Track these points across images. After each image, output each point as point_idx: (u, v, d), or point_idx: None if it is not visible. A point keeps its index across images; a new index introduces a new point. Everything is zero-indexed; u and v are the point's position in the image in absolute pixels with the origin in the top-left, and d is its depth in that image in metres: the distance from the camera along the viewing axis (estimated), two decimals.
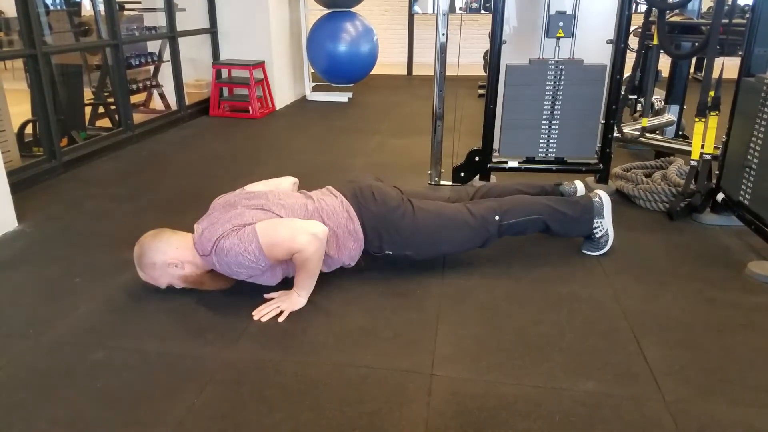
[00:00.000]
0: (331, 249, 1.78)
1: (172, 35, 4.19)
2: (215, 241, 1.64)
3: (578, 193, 2.13)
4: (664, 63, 3.30)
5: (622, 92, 2.81)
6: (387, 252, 1.88)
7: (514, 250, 2.14)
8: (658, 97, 3.51)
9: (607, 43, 2.56)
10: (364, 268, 1.94)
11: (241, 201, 1.79)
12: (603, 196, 2.06)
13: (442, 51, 2.66)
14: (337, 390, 1.38)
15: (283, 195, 1.83)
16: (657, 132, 3.31)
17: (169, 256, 1.71)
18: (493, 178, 2.77)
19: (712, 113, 2.30)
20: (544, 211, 1.98)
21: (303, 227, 1.66)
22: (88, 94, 3.89)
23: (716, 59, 2.32)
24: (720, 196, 2.32)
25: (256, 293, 1.79)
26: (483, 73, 5.63)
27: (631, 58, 3.01)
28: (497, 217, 1.93)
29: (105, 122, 3.95)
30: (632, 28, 2.78)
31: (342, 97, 5.32)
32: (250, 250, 1.60)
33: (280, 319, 1.67)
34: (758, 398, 1.35)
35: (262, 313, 1.68)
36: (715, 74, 2.31)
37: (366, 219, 1.84)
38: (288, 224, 1.68)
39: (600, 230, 2.06)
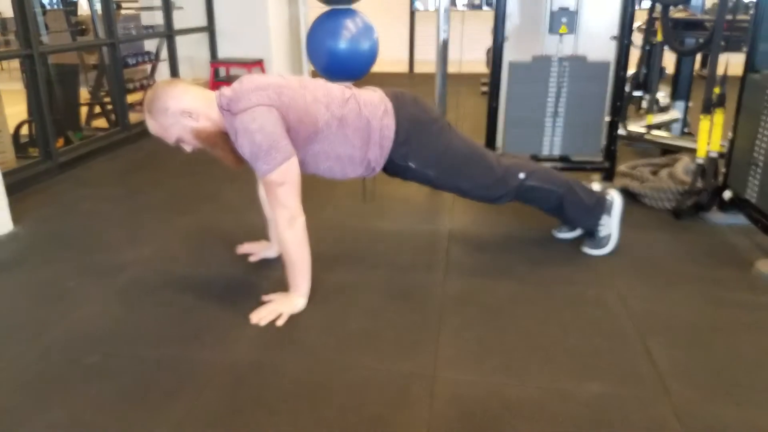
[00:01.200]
0: (359, 141, 1.72)
1: (169, 34, 4.18)
2: (250, 107, 1.54)
3: None
4: (669, 59, 3.28)
5: (627, 89, 2.78)
6: (410, 164, 1.82)
7: (517, 250, 2.12)
8: (663, 93, 3.49)
9: (611, 39, 2.53)
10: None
11: (280, 73, 1.74)
12: (616, 197, 2.04)
13: (443, 48, 2.63)
14: (338, 393, 1.36)
15: (322, 80, 1.78)
16: (662, 129, 3.29)
17: (185, 103, 1.58)
18: None
19: (717, 110, 2.28)
20: (564, 186, 1.96)
21: (292, 205, 1.62)
22: (84, 94, 3.88)
23: (721, 55, 2.30)
24: (727, 194, 2.30)
25: (253, 295, 1.77)
26: (485, 70, 5.60)
27: (635, 55, 2.98)
28: (521, 175, 1.91)
29: (101, 122, 3.94)
30: (636, 24, 2.75)
31: None
32: (261, 163, 1.55)
33: (279, 322, 1.64)
34: (766, 399, 1.33)
35: (260, 317, 1.65)
36: (720, 70, 2.28)
37: (402, 118, 1.76)
38: (292, 192, 1.62)
39: (604, 229, 2.04)
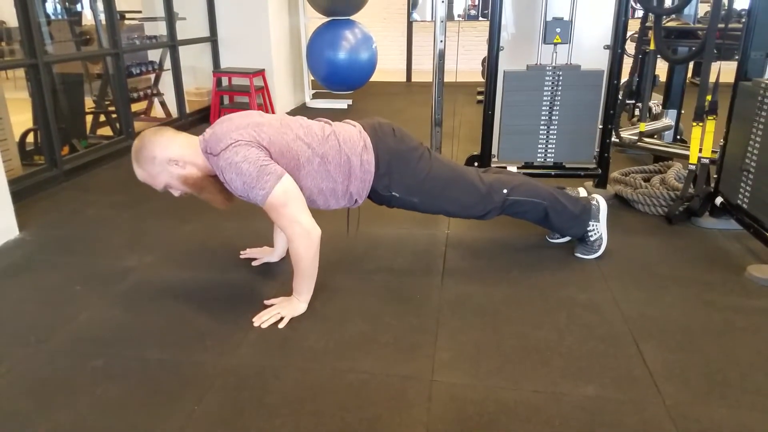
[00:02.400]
0: (341, 176, 1.75)
1: (172, 44, 4.22)
2: (230, 145, 1.57)
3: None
4: (662, 68, 3.32)
5: (620, 97, 2.82)
6: (394, 193, 1.85)
7: (512, 254, 2.14)
8: (655, 101, 3.53)
9: (604, 48, 2.57)
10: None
11: (259, 112, 1.75)
12: (600, 201, 2.08)
13: (440, 58, 2.67)
14: (337, 396, 1.38)
15: (301, 118, 1.80)
16: (655, 136, 3.32)
17: (171, 152, 1.62)
18: None
19: (709, 117, 2.31)
20: (548, 198, 1.99)
21: (305, 221, 1.64)
22: (89, 103, 3.91)
23: (713, 63, 2.33)
24: (718, 200, 2.33)
25: (255, 300, 1.80)
26: (481, 80, 5.66)
27: (628, 63, 3.02)
28: (505, 191, 1.94)
29: (106, 130, 3.97)
30: (629, 33, 2.79)
31: (342, 104, 5.34)
32: (257, 191, 1.57)
33: (281, 325, 1.67)
34: (758, 402, 1.35)
35: (263, 320, 1.68)
36: (712, 78, 2.32)
37: (381, 152, 1.79)
38: (299, 208, 1.64)
39: (594, 233, 2.07)
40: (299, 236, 1.63)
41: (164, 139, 1.65)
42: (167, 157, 1.63)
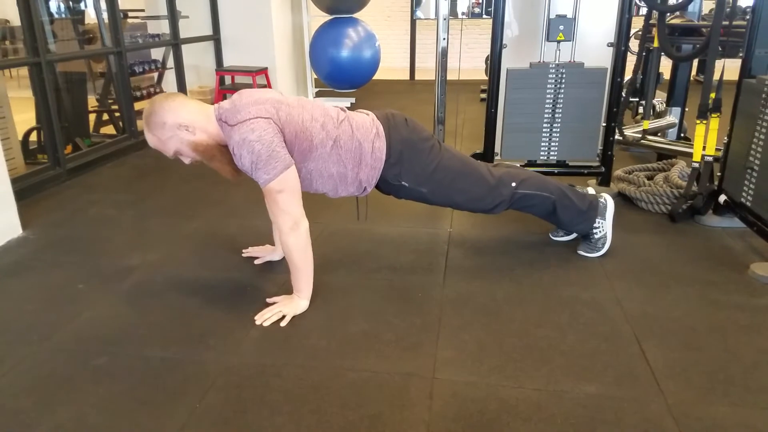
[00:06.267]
0: (351, 162, 1.75)
1: (175, 42, 4.23)
2: (248, 119, 1.57)
3: None
4: (666, 65, 3.31)
5: (623, 95, 2.81)
6: (403, 183, 1.86)
7: (515, 252, 2.14)
8: (659, 99, 3.51)
9: (608, 46, 2.56)
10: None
11: (279, 90, 1.76)
12: (608, 199, 2.08)
13: (443, 56, 2.67)
14: (338, 394, 1.38)
15: (318, 100, 1.83)
16: (658, 134, 3.31)
17: (182, 117, 1.61)
18: None
19: (713, 115, 2.30)
20: (556, 192, 1.99)
21: (295, 212, 1.65)
22: (92, 102, 3.93)
23: (717, 61, 2.32)
24: (722, 198, 2.32)
25: (258, 298, 1.80)
26: (484, 78, 5.65)
27: (631, 61, 3.01)
28: (514, 184, 1.95)
29: (109, 129, 3.98)
30: (633, 31, 2.78)
31: (345, 103, 5.34)
32: (262, 173, 1.58)
33: (283, 323, 1.68)
34: (761, 400, 1.35)
35: (265, 318, 1.69)
36: (716, 76, 2.31)
37: (393, 140, 1.80)
38: (294, 199, 1.65)
39: (599, 231, 2.07)
40: (288, 227, 1.64)
41: (175, 104, 1.62)
42: (177, 123, 1.61)
